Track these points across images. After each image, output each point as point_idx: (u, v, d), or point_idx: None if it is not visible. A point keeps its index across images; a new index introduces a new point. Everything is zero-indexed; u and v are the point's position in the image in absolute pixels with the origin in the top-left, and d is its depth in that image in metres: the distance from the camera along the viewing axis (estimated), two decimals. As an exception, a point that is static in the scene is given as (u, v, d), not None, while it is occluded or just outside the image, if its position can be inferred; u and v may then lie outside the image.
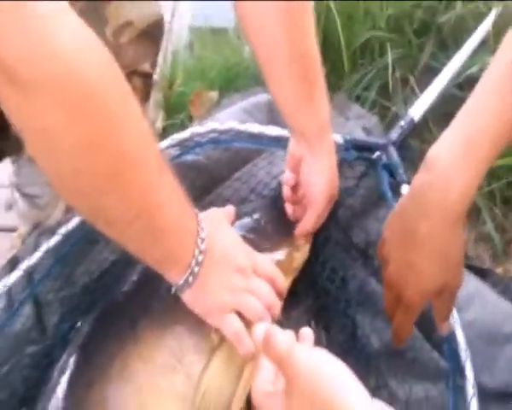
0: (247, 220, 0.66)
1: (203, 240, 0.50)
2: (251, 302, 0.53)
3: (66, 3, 0.38)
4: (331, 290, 0.66)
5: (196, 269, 0.50)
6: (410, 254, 0.50)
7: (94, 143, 0.40)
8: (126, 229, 0.45)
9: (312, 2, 0.63)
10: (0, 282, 0.60)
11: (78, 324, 0.61)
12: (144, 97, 0.80)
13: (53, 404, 0.53)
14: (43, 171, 0.42)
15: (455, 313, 0.57)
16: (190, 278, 0.50)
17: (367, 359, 0.52)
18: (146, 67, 0.74)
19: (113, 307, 0.60)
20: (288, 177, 0.67)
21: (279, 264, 0.62)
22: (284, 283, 0.58)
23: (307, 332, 0.48)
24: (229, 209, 0.61)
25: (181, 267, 0.50)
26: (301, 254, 0.65)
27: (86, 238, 0.66)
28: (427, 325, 0.58)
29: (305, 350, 0.42)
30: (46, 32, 0.36)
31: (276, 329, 0.45)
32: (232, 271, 0.53)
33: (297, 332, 0.49)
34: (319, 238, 0.69)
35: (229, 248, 0.54)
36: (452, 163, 0.48)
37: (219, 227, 0.55)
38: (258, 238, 0.63)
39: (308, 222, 0.65)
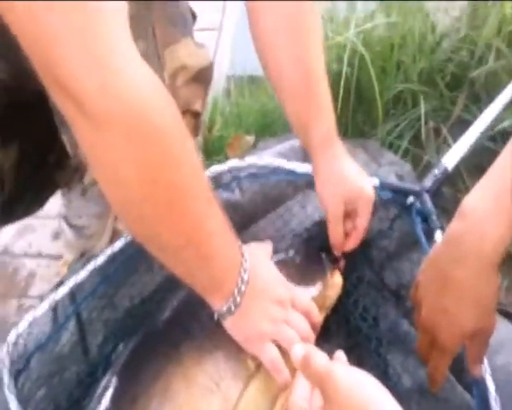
0: (282, 257, 0.69)
1: (246, 271, 0.52)
2: (288, 333, 0.54)
3: (133, 43, 0.42)
4: (363, 329, 0.67)
5: (238, 299, 0.52)
6: (445, 299, 0.52)
7: (155, 177, 0.43)
8: (177, 254, 0.48)
9: (319, 19, 0.68)
10: (47, 298, 0.64)
11: (121, 346, 0.63)
12: (194, 134, 0.86)
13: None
14: (108, 198, 0.45)
15: (485, 359, 0.57)
16: (232, 307, 0.52)
17: (398, 397, 0.52)
18: (197, 106, 0.79)
19: (156, 329, 0.63)
20: None
21: (313, 300, 0.63)
22: (319, 317, 0.60)
23: (341, 355, 0.49)
24: (268, 244, 0.64)
25: (224, 295, 0.52)
26: (334, 292, 0.67)
27: (129, 262, 0.70)
28: (457, 366, 0.58)
29: (345, 368, 0.43)
30: (117, 69, 0.39)
31: (315, 348, 0.47)
32: (272, 302, 0.54)
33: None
34: (352, 278, 0.70)
35: (270, 280, 0.56)
36: (486, 213, 0.49)
37: (260, 260, 0.57)
38: (294, 274, 0.65)
39: (331, 230, 0.66)
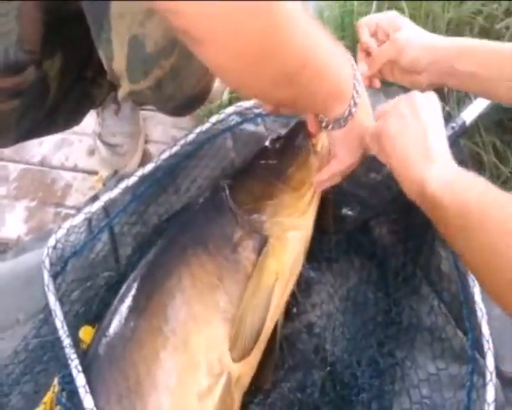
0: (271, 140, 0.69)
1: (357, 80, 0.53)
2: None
3: None
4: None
5: (358, 100, 0.53)
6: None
7: None
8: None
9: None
10: (83, 210, 0.64)
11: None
12: None
13: (117, 317, 0.57)
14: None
15: (482, 307, 0.58)
16: (353, 109, 0.54)
17: (397, 333, 0.52)
18: None
19: (169, 239, 0.64)
20: None
21: (299, 165, 0.64)
22: None
23: None
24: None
25: (344, 100, 0.53)
26: (318, 158, 0.65)
27: (158, 184, 0.69)
28: (458, 315, 0.60)
29: None
30: None
31: None
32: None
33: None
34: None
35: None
36: None
37: None
38: (281, 150, 0.66)
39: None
